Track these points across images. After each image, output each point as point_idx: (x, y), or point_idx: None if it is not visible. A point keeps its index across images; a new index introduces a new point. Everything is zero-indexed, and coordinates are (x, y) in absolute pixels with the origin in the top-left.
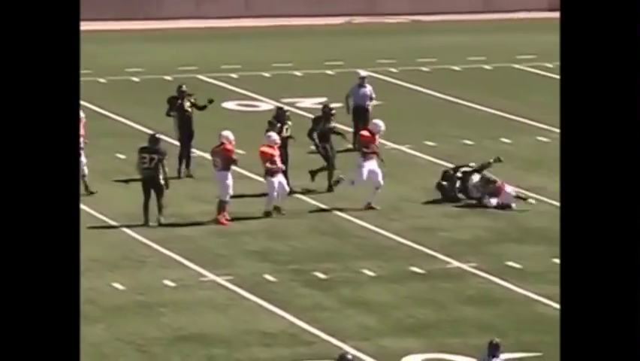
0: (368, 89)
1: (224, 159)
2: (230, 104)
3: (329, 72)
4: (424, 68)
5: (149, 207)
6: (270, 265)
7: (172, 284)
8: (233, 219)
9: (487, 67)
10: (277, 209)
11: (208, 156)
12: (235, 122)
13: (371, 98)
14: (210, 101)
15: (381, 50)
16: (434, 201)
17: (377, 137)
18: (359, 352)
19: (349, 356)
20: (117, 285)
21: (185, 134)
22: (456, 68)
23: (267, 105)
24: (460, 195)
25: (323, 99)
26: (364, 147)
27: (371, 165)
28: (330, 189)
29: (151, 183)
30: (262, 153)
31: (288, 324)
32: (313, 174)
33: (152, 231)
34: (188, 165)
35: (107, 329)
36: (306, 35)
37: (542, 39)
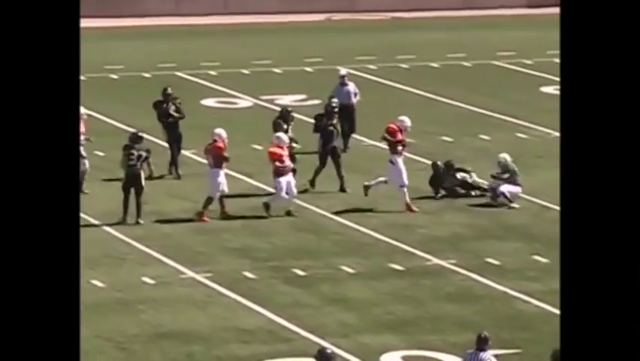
0: (351, 86)
1: (216, 157)
2: (209, 102)
3: (308, 69)
4: (403, 65)
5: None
6: (249, 262)
7: (151, 281)
8: (212, 218)
9: (466, 64)
10: (289, 213)
11: (189, 154)
12: (214, 120)
13: (355, 94)
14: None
15: (361, 46)
16: (413, 198)
17: (404, 133)
18: (338, 349)
19: (328, 351)
20: (97, 282)
21: (173, 138)
22: (435, 65)
23: (245, 102)
24: (459, 190)
25: (302, 96)
26: (395, 143)
27: (401, 162)
28: (312, 183)
29: (134, 181)
30: (271, 153)
31: (267, 321)
32: (311, 182)
33: (132, 228)
34: (176, 168)
35: (87, 326)
36: (285, 32)
37: (522, 36)
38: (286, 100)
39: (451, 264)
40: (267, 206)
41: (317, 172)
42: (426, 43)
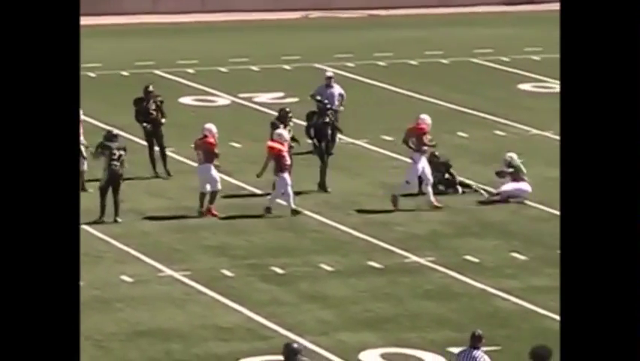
0: (336, 88)
1: (207, 152)
2: (187, 100)
3: (286, 67)
4: (381, 63)
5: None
6: (227, 260)
7: (129, 280)
8: (191, 216)
9: (444, 61)
10: (294, 212)
11: (167, 152)
12: (192, 118)
13: (340, 96)
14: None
15: (338, 44)
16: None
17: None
18: (317, 346)
19: (295, 345)
20: None
21: (153, 137)
22: (413, 62)
23: (223, 100)
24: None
25: (280, 94)
26: (419, 143)
27: (424, 161)
28: (322, 186)
29: (115, 179)
30: (271, 148)
31: (245, 319)
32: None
33: (110, 227)
34: (165, 166)
35: None
36: (263, 30)
37: (499, 33)
38: (264, 98)
39: (430, 261)
40: (268, 210)
41: (323, 172)
42: (404, 40)
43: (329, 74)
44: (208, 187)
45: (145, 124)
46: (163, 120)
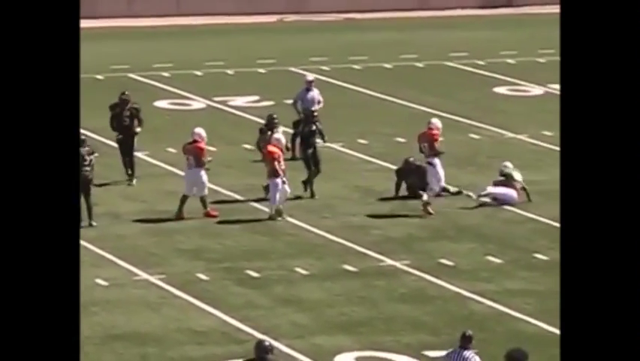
0: (315, 92)
1: (197, 157)
2: (162, 103)
3: (261, 70)
4: (356, 66)
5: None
6: (202, 263)
7: (104, 283)
8: (166, 220)
9: (419, 64)
10: (278, 212)
11: (140, 155)
12: (167, 121)
13: (319, 102)
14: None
15: (313, 47)
16: (366, 200)
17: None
18: (292, 350)
19: (266, 343)
20: None
21: (126, 143)
22: (388, 65)
23: (198, 104)
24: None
25: (255, 97)
26: (431, 149)
27: (440, 164)
28: (311, 193)
29: (86, 184)
30: (271, 152)
31: (220, 322)
32: (305, 183)
33: (85, 230)
34: (132, 172)
35: None
36: (238, 34)
37: (474, 36)
38: (239, 101)
39: (405, 265)
40: (279, 213)
41: (309, 179)
42: (378, 44)
43: (309, 78)
44: (194, 191)
45: (117, 133)
46: (138, 129)
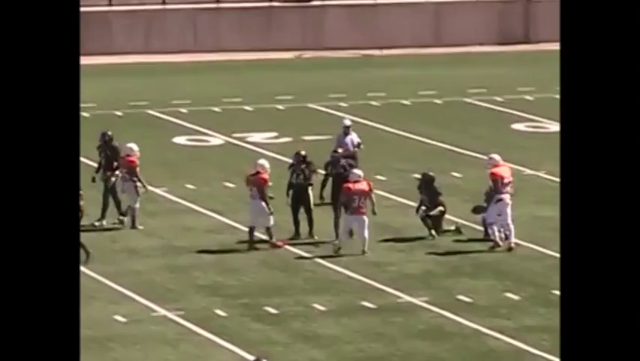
0: (354, 135)
1: (261, 188)
2: (180, 139)
3: (279, 107)
4: (374, 103)
5: None
6: (220, 299)
7: (122, 319)
8: (184, 256)
9: (437, 101)
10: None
11: (159, 190)
12: (185, 157)
13: (358, 145)
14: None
15: (331, 84)
16: (383, 235)
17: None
18: None
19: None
20: None
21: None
22: (406, 102)
23: (217, 140)
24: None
25: (274, 134)
26: (495, 188)
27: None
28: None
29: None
30: (349, 188)
31: (238, 359)
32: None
33: (102, 266)
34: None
35: None
36: (256, 70)
37: (492, 73)
38: (257, 137)
39: (423, 301)
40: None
41: (336, 223)
42: (396, 80)
43: (347, 122)
44: (260, 222)
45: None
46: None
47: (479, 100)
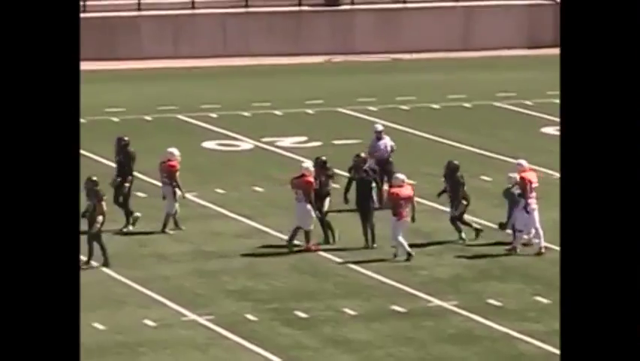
0: (387, 140)
1: (306, 191)
2: (210, 144)
3: (309, 111)
4: (404, 107)
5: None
6: (250, 304)
7: (152, 324)
8: (213, 261)
9: (466, 105)
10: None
11: (188, 195)
12: (215, 162)
13: (392, 149)
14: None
15: (361, 88)
16: (413, 240)
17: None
18: None
19: None
20: (97, 325)
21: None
22: (435, 106)
23: (246, 145)
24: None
25: (303, 138)
26: (524, 192)
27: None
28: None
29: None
30: (393, 193)
31: None
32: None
33: (131, 271)
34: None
35: None
36: (286, 74)
37: (522, 77)
38: (287, 142)
39: (453, 305)
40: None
41: (364, 228)
42: (426, 84)
43: (379, 128)
44: (304, 224)
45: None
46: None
47: (508, 104)
